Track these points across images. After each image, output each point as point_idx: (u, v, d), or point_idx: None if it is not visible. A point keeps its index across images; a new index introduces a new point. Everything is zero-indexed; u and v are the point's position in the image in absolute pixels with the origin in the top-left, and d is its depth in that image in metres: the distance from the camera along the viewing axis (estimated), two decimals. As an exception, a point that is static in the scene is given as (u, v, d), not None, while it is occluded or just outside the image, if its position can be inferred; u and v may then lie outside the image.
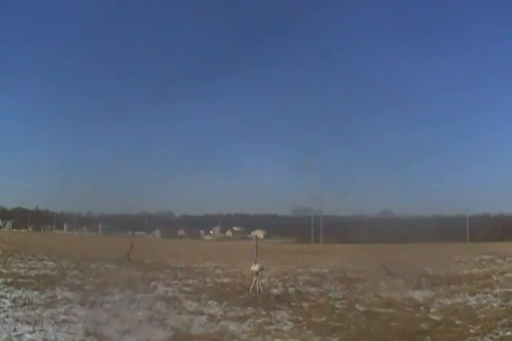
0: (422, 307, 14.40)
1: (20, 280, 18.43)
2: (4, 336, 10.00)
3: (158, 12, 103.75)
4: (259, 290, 16.90)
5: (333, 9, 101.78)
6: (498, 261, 31.20)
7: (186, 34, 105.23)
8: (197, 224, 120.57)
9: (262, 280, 18.39)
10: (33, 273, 21.32)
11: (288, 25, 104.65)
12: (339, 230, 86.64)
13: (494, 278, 20.72)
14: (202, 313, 13.24)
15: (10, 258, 27.55)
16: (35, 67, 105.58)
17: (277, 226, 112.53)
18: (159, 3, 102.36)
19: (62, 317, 11.89)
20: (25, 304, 13.42)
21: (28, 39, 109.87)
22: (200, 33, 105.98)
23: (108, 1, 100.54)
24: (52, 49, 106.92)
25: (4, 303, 13.44)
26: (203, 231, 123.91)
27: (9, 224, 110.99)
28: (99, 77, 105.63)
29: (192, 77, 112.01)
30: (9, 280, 18.14)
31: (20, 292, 15.45)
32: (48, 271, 22.31)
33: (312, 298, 16.42)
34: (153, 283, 18.98)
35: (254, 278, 17.29)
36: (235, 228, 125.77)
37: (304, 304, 15.20)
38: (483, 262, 30.54)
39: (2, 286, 16.56)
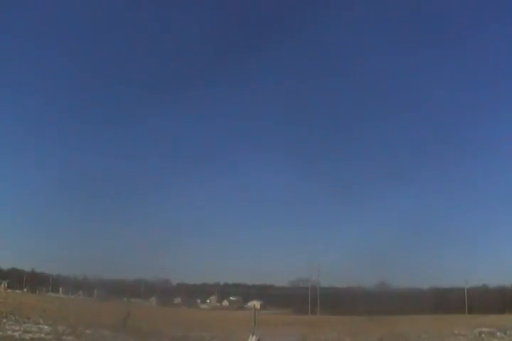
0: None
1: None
2: None
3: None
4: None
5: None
6: (499, 334, 30.75)
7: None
8: (194, 293, 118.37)
9: (259, 351, 18.26)
10: (27, 336, 21.15)
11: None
12: (337, 301, 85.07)
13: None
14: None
15: (4, 320, 27.28)
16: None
17: (274, 297, 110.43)
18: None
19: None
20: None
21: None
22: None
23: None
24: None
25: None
26: (199, 300, 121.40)
27: (4, 284, 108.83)
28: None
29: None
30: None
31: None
32: (42, 335, 22.10)
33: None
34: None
35: (252, 349, 17.23)
36: (231, 297, 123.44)
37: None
38: (483, 335, 30.12)
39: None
